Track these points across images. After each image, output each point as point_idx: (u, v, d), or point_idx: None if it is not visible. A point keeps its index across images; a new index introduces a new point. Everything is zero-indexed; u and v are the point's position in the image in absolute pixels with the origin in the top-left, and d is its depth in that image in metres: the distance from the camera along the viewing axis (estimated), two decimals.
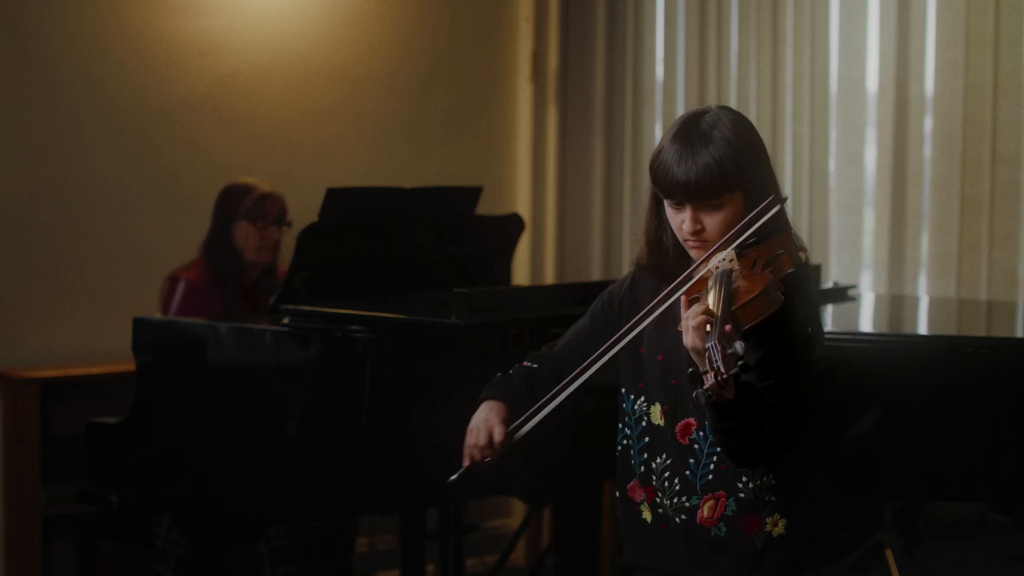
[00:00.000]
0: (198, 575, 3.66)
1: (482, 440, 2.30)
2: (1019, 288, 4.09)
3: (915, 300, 4.14)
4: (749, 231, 2.19)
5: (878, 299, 4.06)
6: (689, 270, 2.23)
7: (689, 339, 2.06)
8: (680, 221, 2.24)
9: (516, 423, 2.31)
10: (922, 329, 3.64)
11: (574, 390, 2.29)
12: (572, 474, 3.12)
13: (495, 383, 2.44)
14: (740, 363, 1.96)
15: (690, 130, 2.22)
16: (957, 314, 3.76)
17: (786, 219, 2.28)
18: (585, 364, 2.28)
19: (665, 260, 2.33)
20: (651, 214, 2.34)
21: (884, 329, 3.56)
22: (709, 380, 1.95)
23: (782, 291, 2.12)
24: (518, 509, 5.00)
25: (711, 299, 2.08)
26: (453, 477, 2.33)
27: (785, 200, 2.23)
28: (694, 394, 2.00)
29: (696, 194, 2.20)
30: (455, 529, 4.05)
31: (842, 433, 2.88)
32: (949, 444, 2.86)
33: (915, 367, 2.89)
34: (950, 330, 3.57)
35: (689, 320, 2.07)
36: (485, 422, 2.32)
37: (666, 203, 2.27)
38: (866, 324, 3.56)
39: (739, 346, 1.99)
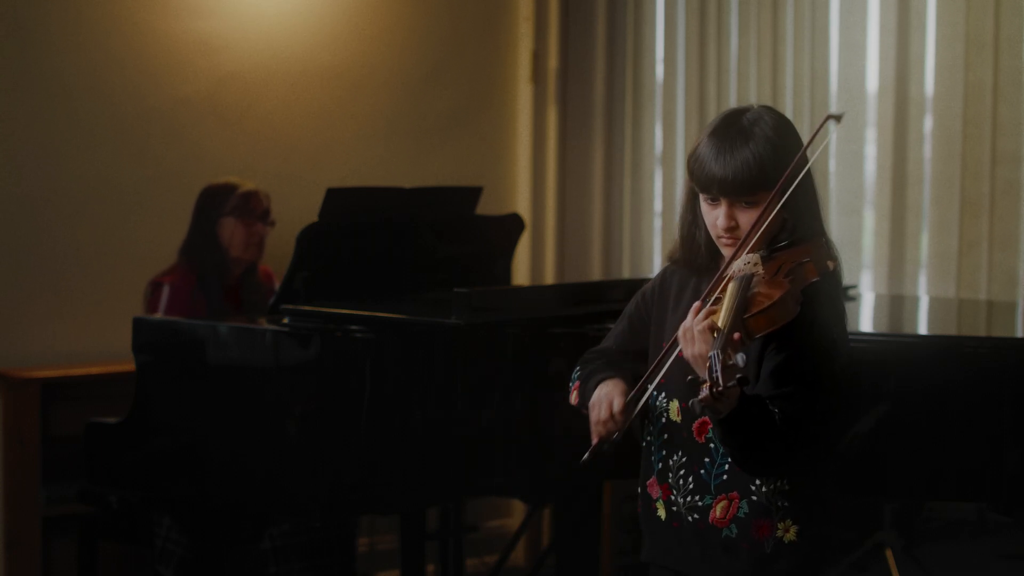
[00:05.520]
0: (199, 575, 3.66)
1: (604, 414, 2.25)
2: (1019, 288, 4.09)
3: (915, 300, 4.14)
4: (782, 200, 2.15)
5: (878, 299, 4.06)
6: (720, 270, 2.21)
7: (692, 347, 2.04)
8: (714, 217, 2.22)
9: (632, 393, 2.27)
10: (922, 329, 3.63)
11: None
12: (572, 474, 3.12)
13: (594, 365, 2.37)
14: (739, 376, 1.93)
15: (731, 126, 2.20)
16: (957, 314, 3.76)
17: (820, 224, 2.26)
18: (667, 347, 2.23)
19: (697, 256, 2.31)
20: (686, 209, 2.32)
21: (884, 329, 3.56)
22: (704, 391, 1.93)
23: (800, 301, 2.10)
24: (518, 509, 5.00)
25: (725, 305, 2.06)
26: (585, 457, 2.27)
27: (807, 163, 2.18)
28: (690, 403, 1.98)
29: (732, 189, 2.18)
30: (455, 529, 4.05)
31: (843, 433, 2.87)
32: (949, 444, 2.86)
33: (915, 367, 2.89)
34: (950, 330, 3.57)
35: (695, 327, 2.05)
36: (606, 396, 2.28)
37: (701, 198, 2.25)
38: (866, 324, 3.55)
39: (740, 358, 1.95)
